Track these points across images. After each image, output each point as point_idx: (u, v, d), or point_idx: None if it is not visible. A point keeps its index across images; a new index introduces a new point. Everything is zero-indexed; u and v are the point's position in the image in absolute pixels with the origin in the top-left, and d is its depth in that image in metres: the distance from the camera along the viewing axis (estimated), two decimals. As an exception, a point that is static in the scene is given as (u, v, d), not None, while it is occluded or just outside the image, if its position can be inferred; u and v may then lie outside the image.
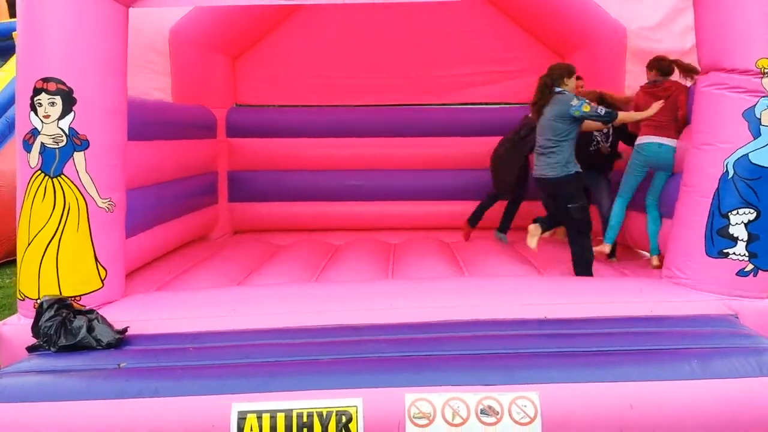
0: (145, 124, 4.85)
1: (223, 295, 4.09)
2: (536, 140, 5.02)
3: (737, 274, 3.74)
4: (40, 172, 3.62)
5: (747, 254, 3.72)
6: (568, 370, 3.02)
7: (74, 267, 3.67)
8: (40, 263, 3.63)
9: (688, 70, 4.68)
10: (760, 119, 3.64)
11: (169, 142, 5.53)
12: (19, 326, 3.66)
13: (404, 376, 2.99)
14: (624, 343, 3.30)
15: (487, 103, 7.39)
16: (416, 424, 2.84)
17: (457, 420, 2.84)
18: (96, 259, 3.73)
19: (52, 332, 3.34)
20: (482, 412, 2.86)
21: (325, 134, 7.16)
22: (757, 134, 3.65)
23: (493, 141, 6.47)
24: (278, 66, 7.33)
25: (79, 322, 3.38)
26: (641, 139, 4.90)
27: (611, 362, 3.09)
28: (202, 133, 6.53)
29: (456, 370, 3.04)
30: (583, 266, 4.79)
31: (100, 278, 3.76)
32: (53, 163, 3.61)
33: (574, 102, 4.69)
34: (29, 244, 3.65)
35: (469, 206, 6.75)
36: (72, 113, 3.60)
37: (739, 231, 3.71)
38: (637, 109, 4.93)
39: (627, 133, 5.32)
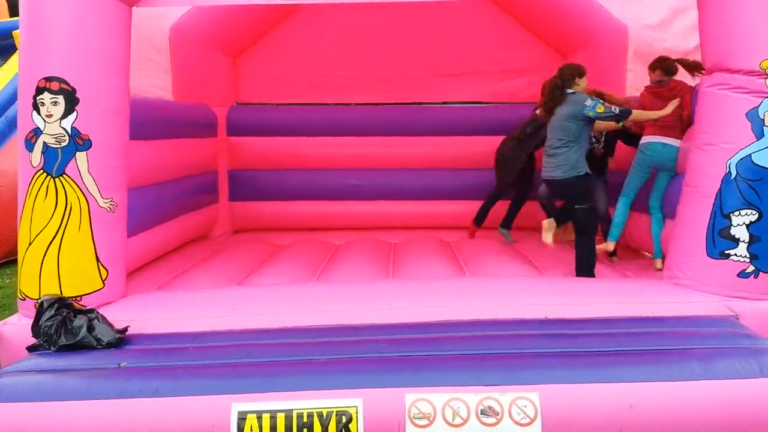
0: (146, 122, 4.85)
1: (223, 295, 4.09)
2: (546, 140, 5.00)
3: (738, 275, 3.74)
4: (42, 171, 3.62)
5: (748, 256, 3.71)
6: (568, 370, 3.02)
7: (75, 267, 3.67)
8: (41, 263, 3.63)
9: (693, 67, 4.66)
10: (763, 120, 3.63)
11: (170, 141, 5.53)
12: (19, 326, 3.66)
13: (404, 376, 2.99)
14: (624, 344, 3.29)
15: (487, 102, 7.37)
16: (416, 425, 2.84)
17: (458, 420, 2.84)
18: (97, 260, 3.73)
19: (52, 332, 3.34)
20: (482, 412, 2.86)
21: (325, 133, 7.15)
22: (760, 135, 3.64)
23: (493, 140, 6.46)
24: (279, 65, 7.32)
25: (80, 321, 3.38)
26: (645, 139, 4.89)
27: (611, 362, 3.09)
28: (202, 131, 6.53)
29: (456, 370, 3.04)
30: (585, 267, 4.78)
31: (101, 278, 3.76)
32: (55, 163, 3.61)
33: (588, 102, 4.66)
34: (30, 244, 3.65)
35: (470, 205, 6.75)
36: (75, 113, 3.60)
37: (740, 232, 3.70)
38: (643, 109, 4.91)
39: (626, 133, 5.31)
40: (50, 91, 3.56)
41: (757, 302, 3.73)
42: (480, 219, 6.52)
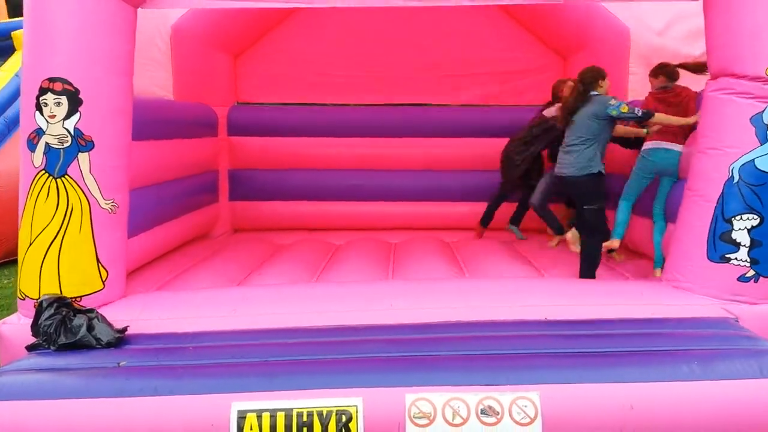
0: (147, 122, 4.85)
1: (223, 295, 4.09)
2: (565, 138, 5.01)
3: (738, 279, 3.73)
4: (43, 172, 3.62)
5: (749, 260, 3.71)
6: (568, 370, 3.02)
7: (76, 268, 3.66)
8: (42, 263, 3.63)
9: (697, 68, 4.65)
10: (767, 125, 3.63)
11: (171, 141, 5.52)
12: (18, 325, 3.66)
13: (404, 375, 2.99)
14: (624, 344, 3.29)
15: (488, 104, 7.37)
16: (416, 424, 2.84)
17: (458, 420, 2.84)
18: (98, 260, 3.72)
19: (51, 331, 3.34)
20: (482, 412, 2.86)
21: (326, 133, 7.16)
22: (764, 140, 3.64)
23: (494, 141, 6.48)
24: (280, 64, 7.32)
25: (79, 320, 3.37)
26: (648, 145, 4.88)
27: (612, 363, 3.08)
28: (203, 131, 6.52)
29: (456, 369, 3.04)
30: (587, 268, 4.79)
31: (101, 279, 3.75)
32: (57, 164, 3.60)
33: (612, 102, 4.71)
34: (31, 244, 3.64)
35: (471, 206, 6.76)
36: (78, 114, 3.59)
37: (741, 236, 3.70)
38: None
39: (624, 138, 5.29)
40: (53, 92, 3.55)
41: (757, 306, 3.73)
42: (486, 220, 6.58)
